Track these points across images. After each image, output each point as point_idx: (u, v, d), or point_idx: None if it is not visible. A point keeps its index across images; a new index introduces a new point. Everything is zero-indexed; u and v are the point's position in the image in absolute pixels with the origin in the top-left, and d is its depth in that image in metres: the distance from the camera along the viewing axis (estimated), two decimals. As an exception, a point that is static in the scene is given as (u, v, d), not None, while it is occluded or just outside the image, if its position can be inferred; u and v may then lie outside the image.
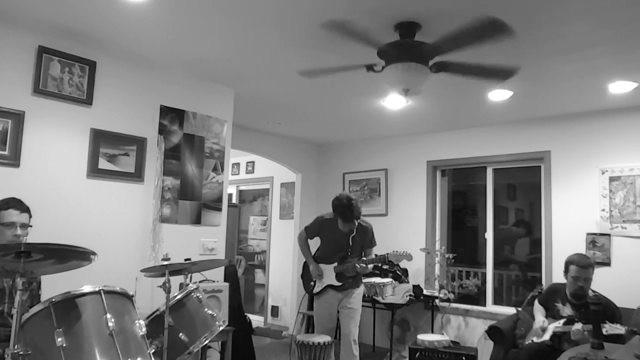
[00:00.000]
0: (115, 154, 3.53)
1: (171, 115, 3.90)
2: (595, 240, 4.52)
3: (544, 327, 3.58)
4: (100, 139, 3.45)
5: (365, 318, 3.98)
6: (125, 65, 3.63)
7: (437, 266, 5.51)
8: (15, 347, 1.77)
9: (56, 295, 1.96)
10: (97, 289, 2.03)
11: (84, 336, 1.92)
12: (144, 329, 2.11)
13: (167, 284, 2.54)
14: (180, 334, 2.49)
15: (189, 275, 3.06)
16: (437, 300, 5.27)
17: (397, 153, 6.08)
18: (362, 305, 4.04)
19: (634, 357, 2.49)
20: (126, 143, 3.60)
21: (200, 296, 2.69)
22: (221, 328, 2.63)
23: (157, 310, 2.57)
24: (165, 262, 2.71)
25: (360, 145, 6.47)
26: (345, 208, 3.72)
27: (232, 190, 8.04)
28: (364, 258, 3.83)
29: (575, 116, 4.79)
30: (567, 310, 3.61)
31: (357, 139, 6.47)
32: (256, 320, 7.01)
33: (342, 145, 6.68)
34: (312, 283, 4.01)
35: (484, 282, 5.37)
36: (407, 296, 5.06)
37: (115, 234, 3.51)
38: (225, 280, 4.07)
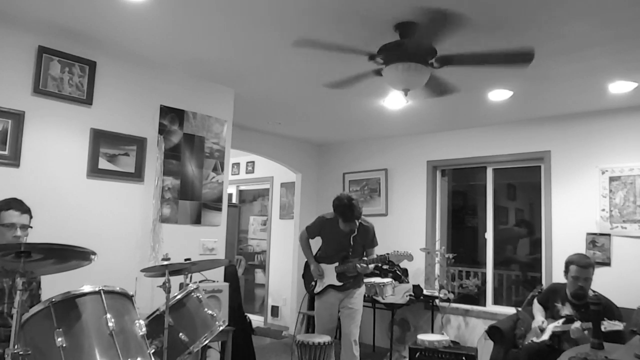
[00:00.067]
0: (115, 154, 3.53)
1: (171, 115, 3.90)
2: (595, 240, 4.52)
3: (542, 327, 3.58)
4: (100, 139, 3.45)
5: (365, 318, 3.97)
6: (125, 65, 3.63)
7: (437, 266, 5.51)
8: (15, 347, 1.77)
9: (56, 295, 1.96)
10: (97, 289, 2.03)
11: (84, 336, 1.92)
12: (144, 329, 2.11)
13: (167, 284, 2.54)
14: (180, 334, 2.49)
15: (189, 275, 3.06)
16: (437, 300, 5.27)
17: (397, 153, 6.09)
18: (363, 305, 4.04)
19: (634, 357, 2.49)
20: (126, 143, 3.60)
21: (200, 296, 2.69)
22: (221, 328, 2.63)
23: (157, 310, 2.58)
24: (165, 262, 2.71)
25: (360, 145, 6.47)
26: (345, 208, 3.72)
27: (232, 190, 8.04)
28: (365, 258, 3.82)
29: (575, 116, 4.79)
30: (566, 310, 3.62)
31: (357, 139, 6.47)
32: (256, 320, 7.01)
33: (342, 145, 6.68)
34: (313, 283, 4.01)
35: (484, 282, 5.37)
36: (407, 296, 5.06)
37: (115, 234, 3.51)
38: (225, 280, 4.07)
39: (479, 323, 5.13)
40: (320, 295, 3.97)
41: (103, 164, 3.46)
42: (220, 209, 4.19)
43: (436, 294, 5.25)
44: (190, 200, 3.98)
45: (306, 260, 4.10)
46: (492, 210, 5.40)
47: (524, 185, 6.07)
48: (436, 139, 5.78)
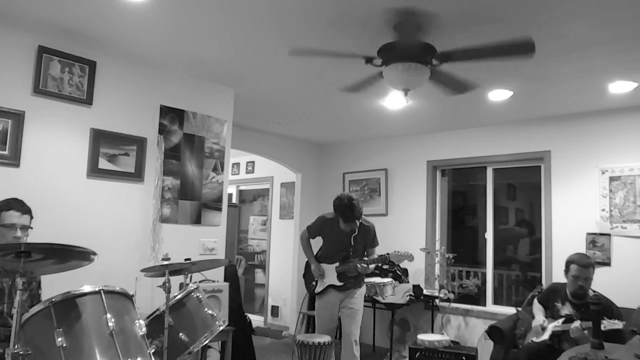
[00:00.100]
0: (115, 153, 3.53)
1: (171, 115, 3.90)
2: (595, 240, 4.52)
3: (543, 325, 3.58)
4: (100, 139, 3.45)
5: (365, 318, 3.98)
6: (125, 65, 3.63)
7: (437, 266, 5.51)
8: (15, 347, 1.77)
9: (56, 295, 1.96)
10: (97, 289, 2.03)
11: (84, 336, 1.92)
12: (144, 329, 2.11)
13: (167, 284, 2.54)
14: (180, 334, 2.49)
15: (189, 275, 3.05)
16: (437, 300, 5.28)
17: (397, 153, 6.09)
18: (363, 305, 4.03)
19: (634, 357, 2.49)
20: (126, 143, 3.60)
21: (200, 296, 2.69)
22: (221, 328, 2.63)
23: (157, 310, 2.57)
24: (165, 262, 2.70)
25: (360, 145, 6.47)
26: (346, 208, 3.71)
27: (232, 190, 8.04)
28: (365, 258, 3.82)
29: (575, 116, 4.79)
30: (566, 310, 3.62)
31: (357, 139, 6.47)
32: (256, 320, 7.01)
33: (342, 145, 6.68)
34: (313, 283, 4.01)
35: (484, 282, 5.37)
36: (407, 296, 5.06)
37: (115, 234, 3.51)
38: (225, 280, 4.07)
39: (479, 323, 5.13)
40: (321, 295, 3.97)
41: (103, 164, 3.46)
42: (220, 209, 4.19)
43: (436, 294, 5.25)
44: (190, 200, 3.98)
45: (307, 260, 4.10)
46: (492, 210, 5.40)
47: (524, 185, 6.07)
48: (436, 139, 5.78)
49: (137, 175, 3.65)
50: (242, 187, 8.21)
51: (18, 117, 3.05)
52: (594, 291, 3.56)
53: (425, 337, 4.71)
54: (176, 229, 3.87)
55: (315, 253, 4.06)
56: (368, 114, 5.07)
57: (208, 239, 4.10)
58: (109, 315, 1.97)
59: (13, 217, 2.46)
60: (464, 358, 4.52)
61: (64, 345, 1.85)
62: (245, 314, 5.03)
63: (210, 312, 2.65)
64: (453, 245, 5.84)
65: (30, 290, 2.58)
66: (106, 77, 3.50)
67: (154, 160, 3.76)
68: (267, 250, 7.42)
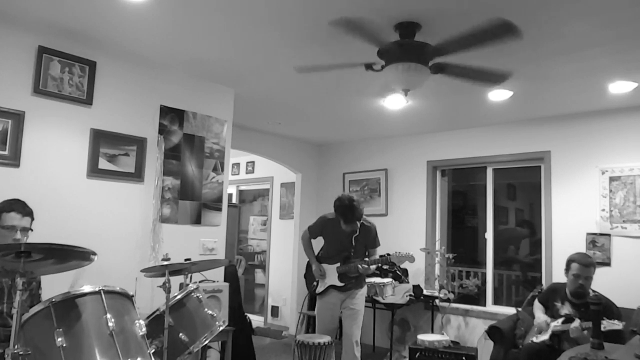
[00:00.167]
0: (115, 154, 3.53)
1: (171, 115, 3.90)
2: (595, 240, 4.52)
3: (547, 321, 3.58)
4: (100, 139, 3.45)
5: (365, 318, 3.97)
6: (125, 65, 3.63)
7: (437, 266, 5.51)
8: (15, 347, 1.77)
9: (56, 295, 1.96)
10: (97, 289, 2.03)
11: (84, 336, 1.92)
12: (144, 329, 2.11)
13: (167, 284, 2.54)
14: (180, 334, 2.49)
15: (189, 275, 3.06)
16: (437, 300, 5.28)
17: (397, 153, 6.09)
18: (364, 306, 4.02)
19: (634, 357, 2.49)
20: (126, 143, 3.60)
21: (200, 296, 2.69)
22: (221, 328, 2.63)
23: (157, 310, 2.57)
24: (165, 262, 2.71)
25: (360, 145, 6.47)
26: (346, 209, 3.70)
27: (232, 190, 8.04)
28: (366, 259, 3.81)
29: (575, 116, 4.79)
30: (566, 309, 3.62)
31: (357, 139, 6.47)
32: (256, 320, 7.01)
33: (342, 145, 6.68)
34: (314, 283, 4.00)
35: (484, 282, 5.37)
36: (407, 296, 5.06)
37: (115, 234, 3.51)
38: (225, 280, 4.07)
39: (479, 323, 5.13)
40: (322, 295, 3.96)
41: (103, 164, 3.46)
42: (220, 209, 4.19)
43: (436, 294, 5.25)
44: (190, 200, 3.98)
45: (308, 260, 4.09)
46: (492, 210, 5.40)
47: (524, 185, 6.07)
48: (436, 139, 5.78)
49: (137, 175, 3.65)
50: (242, 187, 8.21)
51: (18, 117, 3.05)
52: (593, 291, 3.56)
53: (425, 337, 4.71)
54: (176, 229, 3.87)
55: (316, 253, 4.06)
56: (368, 114, 5.07)
57: (208, 239, 4.10)
58: (109, 316, 1.97)
59: (14, 219, 2.45)
60: (464, 358, 4.52)
61: (64, 345, 1.85)
62: (245, 314, 5.03)
63: (210, 312, 2.65)
64: (453, 245, 5.84)
65: (30, 290, 2.58)
66: (106, 77, 3.50)
67: (154, 160, 3.76)
68: (267, 250, 7.42)
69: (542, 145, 4.99)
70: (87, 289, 2.01)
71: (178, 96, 3.96)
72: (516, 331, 4.04)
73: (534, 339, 3.62)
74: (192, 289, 2.69)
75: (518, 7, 2.72)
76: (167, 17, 3.03)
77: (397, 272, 5.49)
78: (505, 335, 4.04)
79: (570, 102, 4.43)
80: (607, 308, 3.32)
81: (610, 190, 4.51)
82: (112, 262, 3.29)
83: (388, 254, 3.83)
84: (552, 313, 3.69)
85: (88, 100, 3.39)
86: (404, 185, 5.99)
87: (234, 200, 7.94)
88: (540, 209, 5.03)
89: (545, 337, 3.55)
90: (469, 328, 5.24)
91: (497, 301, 5.35)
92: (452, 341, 4.78)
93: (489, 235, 5.38)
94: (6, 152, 3.00)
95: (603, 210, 4.53)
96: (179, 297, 2.62)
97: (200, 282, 3.60)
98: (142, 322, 2.12)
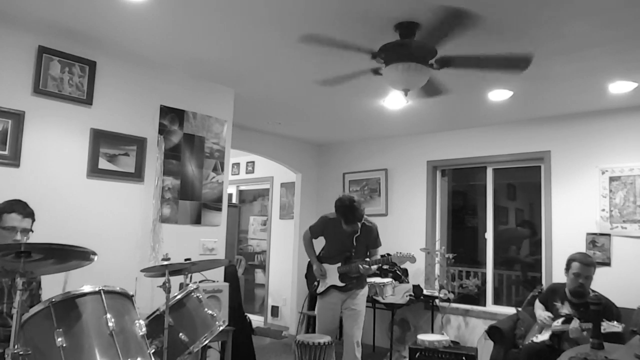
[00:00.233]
0: (115, 154, 3.53)
1: (171, 115, 3.90)
2: (595, 240, 4.52)
3: (551, 316, 3.58)
4: (100, 139, 3.45)
5: (365, 318, 3.96)
6: (125, 65, 3.63)
7: (437, 266, 5.51)
8: (15, 347, 1.77)
9: (56, 295, 1.96)
10: (97, 289, 2.03)
11: (84, 336, 1.92)
12: (144, 329, 2.11)
13: (167, 284, 2.54)
14: (180, 334, 2.49)
15: (189, 275, 3.06)
16: (437, 300, 5.28)
17: (397, 153, 6.08)
18: (365, 306, 4.01)
19: (634, 357, 2.49)
20: (126, 143, 3.60)
21: (200, 296, 2.69)
22: (221, 328, 2.63)
23: (157, 310, 2.57)
24: (165, 262, 2.71)
25: (360, 145, 6.47)
26: (347, 209, 3.70)
27: (232, 190, 8.04)
28: (367, 259, 3.81)
29: (575, 116, 4.79)
30: (566, 309, 3.62)
31: (357, 139, 6.46)
32: (256, 320, 7.01)
33: (342, 145, 6.68)
34: (315, 283, 4.00)
35: (484, 282, 5.37)
36: (407, 296, 5.06)
37: (115, 234, 3.51)
38: (225, 280, 4.07)
39: (479, 323, 5.13)
40: (323, 295, 3.95)
41: (103, 164, 3.46)
42: (220, 209, 4.19)
43: (436, 294, 5.25)
44: (190, 200, 3.98)
45: (309, 260, 4.09)
46: (492, 210, 5.40)
47: (524, 185, 6.06)
48: (436, 139, 5.78)
49: (137, 175, 3.65)
50: (242, 187, 8.21)
51: (18, 117, 3.05)
52: (593, 291, 3.56)
53: (425, 337, 4.71)
54: (176, 229, 3.86)
55: (317, 253, 4.05)
56: (368, 114, 5.07)
57: (208, 239, 4.10)
58: (109, 316, 1.97)
59: (14, 220, 2.45)
60: (464, 358, 4.52)
61: (64, 345, 1.85)
62: (245, 314, 5.03)
63: (210, 312, 2.65)
64: (453, 245, 5.84)
65: (31, 291, 2.58)
66: (106, 77, 3.50)
67: (154, 160, 3.76)
68: (267, 250, 7.42)
69: (542, 145, 4.99)
70: (87, 289, 2.01)
71: (178, 96, 3.96)
72: (516, 331, 4.04)
73: (534, 339, 3.62)
74: (192, 289, 2.69)
75: (518, 7, 2.72)
76: (167, 17, 3.03)
77: (397, 272, 5.49)
78: (505, 335, 4.04)
79: (570, 102, 4.43)
80: (606, 308, 3.32)
81: (610, 190, 4.51)
82: (112, 262, 3.29)
83: (388, 254, 3.83)
84: (552, 313, 3.69)
85: (88, 100, 3.39)
86: (404, 185, 5.98)
87: (234, 200, 7.94)
88: (540, 209, 5.03)
89: (545, 337, 3.55)
90: (469, 328, 5.24)
91: (497, 301, 5.35)
92: (452, 341, 4.78)
93: (489, 235, 5.38)
94: (6, 152, 3.00)
95: (603, 210, 4.53)
96: (179, 297, 2.62)
97: (200, 282, 3.60)
98: (142, 322, 2.12)
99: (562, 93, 4.20)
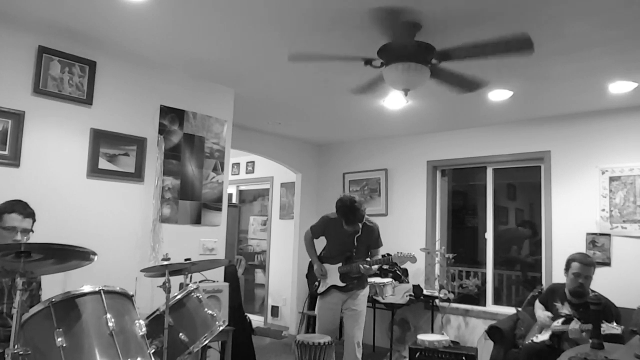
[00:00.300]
0: (115, 154, 3.53)
1: (171, 115, 3.90)
2: (595, 240, 4.52)
3: (551, 316, 3.58)
4: (100, 139, 3.45)
5: (365, 318, 3.96)
6: (125, 65, 3.63)
7: (437, 266, 5.51)
8: (15, 347, 1.77)
9: (56, 295, 1.96)
10: (97, 289, 2.03)
11: (84, 336, 1.92)
12: (144, 329, 2.11)
13: (167, 284, 2.54)
14: (180, 334, 2.49)
15: (189, 275, 3.06)
16: (437, 300, 5.28)
17: (397, 153, 6.08)
18: (366, 307, 4.01)
19: (634, 357, 2.49)
20: (126, 143, 3.60)
21: (200, 296, 2.69)
22: (221, 328, 2.63)
23: (157, 310, 2.57)
24: (165, 262, 2.71)
25: (360, 145, 6.47)
26: (347, 210, 3.70)
27: (232, 190, 8.04)
28: (368, 259, 3.80)
29: (575, 116, 4.79)
30: (565, 310, 3.62)
31: (357, 139, 6.47)
32: (256, 320, 7.01)
33: (342, 145, 6.68)
34: (316, 283, 3.99)
35: (484, 282, 5.37)
36: (407, 296, 5.06)
37: (115, 234, 3.51)
38: (225, 280, 4.07)
39: (479, 323, 5.13)
40: (323, 295, 3.95)
41: (103, 164, 3.46)
42: (220, 209, 4.19)
43: (436, 294, 5.25)
44: (190, 200, 3.98)
45: (310, 260, 4.08)
46: (492, 210, 5.40)
47: (524, 185, 6.06)
48: (436, 139, 5.78)
49: (137, 175, 3.65)
50: (242, 187, 8.21)
51: (18, 117, 3.05)
52: (593, 291, 3.56)
53: (425, 337, 4.71)
54: (176, 229, 3.86)
55: (318, 253, 4.05)
56: (368, 114, 5.07)
57: (208, 239, 4.10)
58: (109, 315, 1.98)
59: (15, 220, 2.45)
60: (464, 358, 4.52)
61: (64, 345, 1.85)
62: (245, 314, 5.03)
63: (210, 312, 2.65)
64: (453, 245, 5.84)
65: (31, 291, 2.58)
66: (106, 77, 3.50)
67: (154, 160, 3.76)
68: (267, 250, 7.42)
69: (542, 145, 4.99)
70: (87, 289, 2.01)
71: (178, 96, 3.96)
72: (516, 331, 4.04)
73: (534, 339, 3.62)
74: (192, 289, 2.69)
75: (518, 7, 2.72)
76: (167, 17, 3.03)
77: (397, 272, 5.49)
78: (505, 335, 4.04)
79: (570, 102, 4.43)
80: (606, 308, 3.32)
81: (610, 190, 4.51)
82: (112, 262, 3.29)
83: (389, 254, 3.82)
84: (552, 313, 3.69)
85: (88, 100, 3.39)
86: (404, 185, 5.99)
87: (234, 200, 7.94)
88: (540, 209, 5.03)
89: (545, 337, 3.55)
90: (469, 328, 5.24)
91: (497, 301, 5.35)
92: (452, 341, 4.78)
93: (489, 235, 5.38)
94: (6, 152, 3.00)
95: (603, 210, 4.53)
96: (179, 297, 2.62)
97: (200, 282, 3.60)
98: (142, 322, 2.12)
99: (562, 93, 4.20)
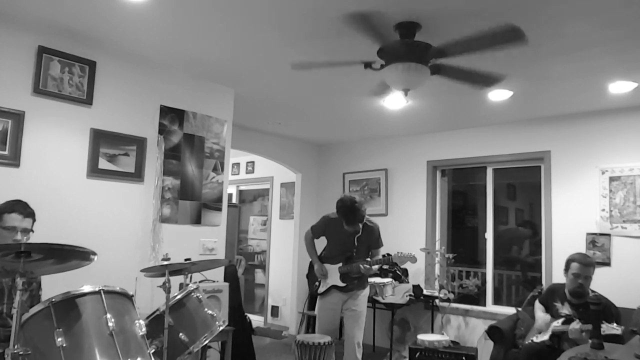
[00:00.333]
0: (115, 154, 3.53)
1: (171, 115, 3.90)
2: (595, 240, 4.52)
3: (547, 321, 3.58)
4: (100, 139, 3.45)
5: (365, 318, 3.96)
6: (125, 65, 3.63)
7: (437, 266, 5.51)
8: (15, 347, 1.77)
9: (56, 295, 1.96)
10: (97, 289, 2.03)
11: (84, 336, 1.92)
12: (144, 329, 2.11)
13: (167, 284, 2.54)
14: (180, 334, 2.49)
15: (189, 275, 3.06)
16: (437, 300, 5.27)
17: (397, 153, 6.09)
18: (366, 307, 4.00)
19: (634, 357, 2.49)
20: (126, 143, 3.60)
21: (200, 296, 2.69)
22: (221, 328, 2.63)
23: (157, 310, 2.57)
24: (165, 262, 2.71)
25: (360, 145, 6.47)
26: (348, 210, 3.69)
27: (232, 190, 8.04)
28: (369, 259, 3.80)
29: (575, 116, 4.79)
30: (565, 310, 3.62)
31: (357, 139, 6.47)
32: (256, 320, 7.01)
33: (342, 145, 6.68)
34: (316, 283, 3.99)
35: (484, 282, 5.37)
36: (407, 296, 5.06)
37: (115, 234, 3.51)
38: (225, 280, 4.07)
39: (479, 323, 5.13)
40: (324, 295, 3.94)
41: (103, 164, 3.46)
42: (220, 209, 4.19)
43: (436, 294, 5.25)
44: (190, 200, 3.98)
45: (311, 260, 4.08)
46: (492, 210, 5.40)
47: (524, 185, 6.06)
48: (436, 139, 5.78)
49: (137, 175, 3.65)
50: (242, 187, 8.21)
51: (18, 117, 3.05)
52: (593, 291, 3.56)
53: (425, 337, 4.71)
54: (176, 229, 3.86)
55: (319, 253, 4.05)
56: (368, 114, 5.07)
57: (208, 239, 4.10)
58: (109, 316, 1.97)
59: (15, 219, 2.45)
60: (464, 358, 4.52)
61: (64, 345, 1.85)
62: (245, 314, 5.03)
63: (210, 312, 2.65)
64: (453, 245, 5.84)
65: (31, 291, 2.58)
66: (106, 77, 3.50)
67: (154, 160, 3.76)
68: (267, 250, 7.42)
69: (542, 145, 4.99)
70: (87, 289, 2.01)
71: (178, 96, 3.96)
72: (516, 331, 4.04)
73: (534, 339, 3.62)
74: (192, 289, 2.69)
75: (518, 7, 2.72)
76: (167, 17, 3.03)
77: (397, 272, 5.49)
78: (505, 335, 4.04)
79: (570, 102, 4.43)
80: (606, 308, 3.32)
81: (610, 190, 4.51)
82: (112, 262, 3.29)
83: (389, 254, 3.82)
84: (552, 313, 3.69)
85: (88, 100, 3.39)
86: (404, 185, 5.98)
87: (234, 200, 7.94)
88: (540, 209, 5.03)
89: (545, 337, 3.55)
90: (469, 328, 5.24)
91: (497, 301, 5.35)
92: (452, 341, 4.78)
93: (489, 235, 5.38)
94: (6, 152, 3.00)
95: (603, 210, 4.53)
96: (179, 297, 2.61)
97: (200, 282, 3.60)
98: (142, 322, 2.12)
99: (562, 93, 4.20)
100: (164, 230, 3.79)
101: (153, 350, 2.18)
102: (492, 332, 4.12)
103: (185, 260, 2.92)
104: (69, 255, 1.98)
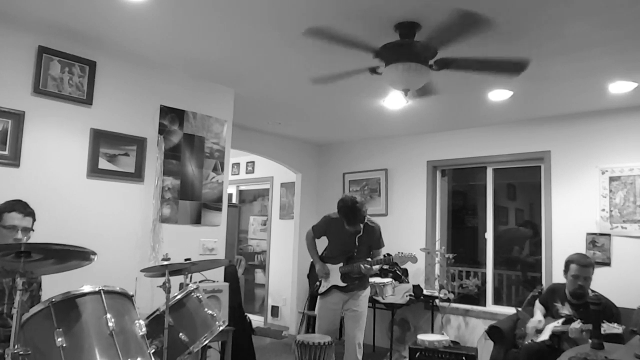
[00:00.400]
0: (115, 154, 3.53)
1: (171, 115, 3.90)
2: (595, 240, 4.52)
3: (539, 327, 3.59)
4: (100, 139, 3.45)
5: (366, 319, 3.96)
6: (125, 65, 3.63)
7: (437, 266, 5.51)
8: (15, 347, 1.77)
9: (56, 295, 1.96)
10: (97, 289, 2.03)
11: (84, 336, 1.92)
12: (144, 329, 2.11)
13: (167, 284, 2.54)
14: (180, 334, 2.49)
15: (189, 275, 3.06)
16: (437, 300, 5.27)
17: (397, 153, 6.08)
18: (367, 308, 3.99)
19: (634, 357, 2.49)
20: (126, 143, 3.60)
21: (200, 296, 2.69)
22: (221, 328, 2.63)
23: (157, 310, 2.57)
24: (165, 262, 2.71)
25: (360, 145, 6.47)
26: (348, 210, 3.69)
27: (232, 190, 8.04)
28: (369, 259, 3.80)
29: (575, 116, 4.79)
30: (566, 310, 3.62)
31: (357, 139, 6.46)
32: (256, 320, 7.01)
33: (342, 145, 6.68)
34: (317, 283, 3.99)
35: (484, 282, 5.37)
36: (407, 296, 5.06)
37: (115, 234, 3.51)
38: (225, 280, 4.07)
39: (479, 323, 5.13)
40: (324, 295, 3.94)
41: (103, 164, 3.46)
42: (220, 209, 4.19)
43: (436, 294, 5.25)
44: (190, 200, 3.98)
45: (312, 260, 4.08)
46: (492, 210, 5.40)
47: (524, 185, 6.06)
48: (436, 139, 5.78)
49: (137, 175, 3.65)
50: (242, 187, 8.21)
51: (18, 117, 3.05)
52: (593, 291, 3.56)
53: (425, 337, 4.71)
54: (176, 229, 3.86)
55: (320, 253, 4.04)
56: (368, 114, 5.07)
57: (208, 239, 4.10)
58: (109, 316, 1.97)
59: (14, 219, 2.45)
60: (464, 358, 4.52)
61: (64, 345, 1.85)
62: (245, 314, 5.03)
63: (210, 312, 2.65)
64: (453, 245, 5.84)
65: (31, 292, 2.58)
66: (106, 77, 3.50)
67: (154, 160, 3.76)
68: (267, 250, 7.42)
69: (542, 145, 4.99)
70: (87, 289, 2.01)
71: (178, 96, 3.96)
72: (516, 331, 4.04)
73: (534, 339, 3.62)
74: (192, 289, 2.69)
75: (518, 7, 2.72)
76: (167, 17, 3.03)
77: (397, 272, 5.49)
78: (505, 335, 4.03)
79: (570, 102, 4.43)
80: (606, 308, 3.32)
81: (610, 190, 4.51)
82: (112, 262, 3.29)
83: (389, 254, 3.82)
84: (553, 314, 3.69)
85: (88, 100, 3.39)
86: (404, 185, 5.98)
87: (234, 200, 7.94)
88: (540, 209, 5.03)
89: (545, 337, 3.55)
90: (469, 328, 5.24)
91: (497, 301, 5.35)
92: (452, 341, 4.78)
93: (489, 235, 5.38)
94: (6, 152, 3.00)
95: (603, 210, 4.53)
96: (179, 297, 2.62)
97: (200, 282, 3.60)
98: (142, 322, 2.12)
99: (562, 93, 4.20)
100: (164, 230, 3.79)
101: (153, 350, 2.18)
102: (492, 332, 4.12)
103: (185, 260, 2.92)
104: (69, 255, 1.98)
